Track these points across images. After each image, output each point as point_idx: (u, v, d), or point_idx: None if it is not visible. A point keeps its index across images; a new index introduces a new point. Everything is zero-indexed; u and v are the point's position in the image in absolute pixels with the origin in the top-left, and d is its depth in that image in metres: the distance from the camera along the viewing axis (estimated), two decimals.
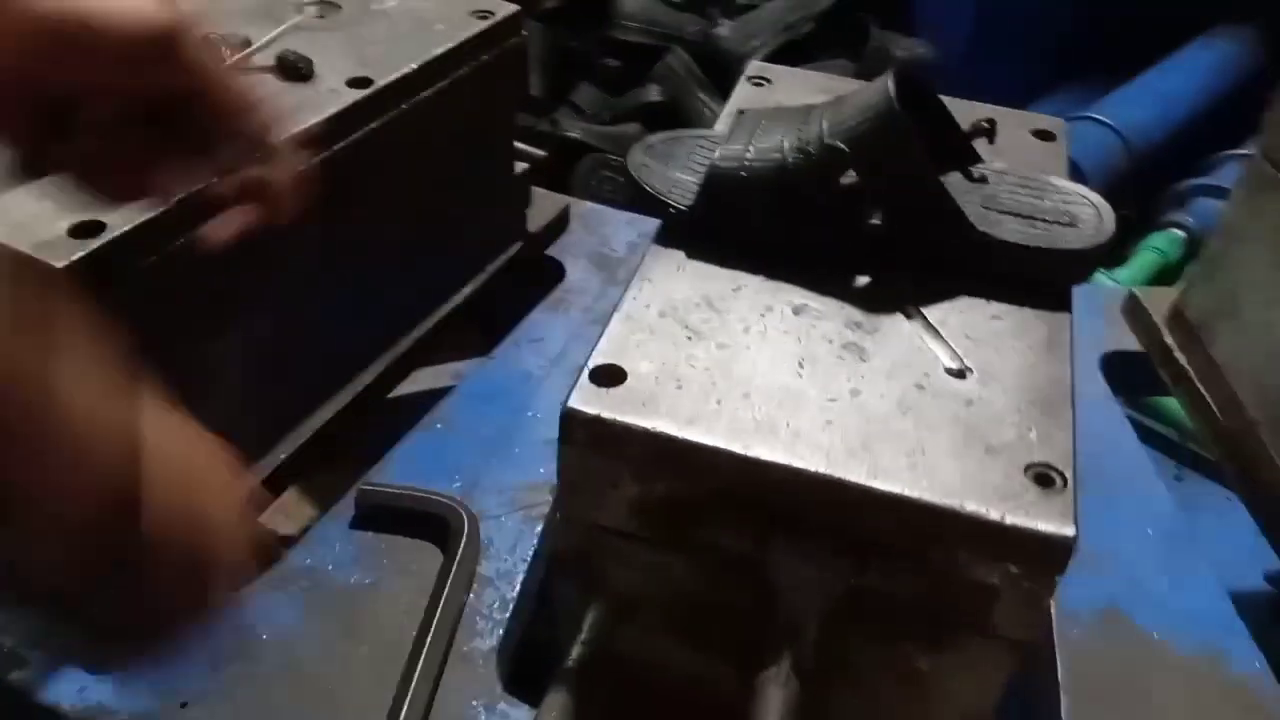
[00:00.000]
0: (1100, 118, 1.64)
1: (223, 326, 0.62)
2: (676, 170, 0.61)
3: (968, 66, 1.73)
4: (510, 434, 0.77)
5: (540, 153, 0.92)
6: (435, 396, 0.80)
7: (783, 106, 0.63)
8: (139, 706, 0.57)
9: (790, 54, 1.68)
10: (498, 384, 0.81)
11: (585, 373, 0.50)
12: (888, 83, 0.55)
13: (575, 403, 0.48)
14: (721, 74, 1.64)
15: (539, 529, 0.69)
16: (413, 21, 0.76)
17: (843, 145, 0.54)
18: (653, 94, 1.59)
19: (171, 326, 0.58)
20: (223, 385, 0.63)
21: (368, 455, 0.74)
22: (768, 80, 0.77)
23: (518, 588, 0.65)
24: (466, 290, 0.85)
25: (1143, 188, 1.62)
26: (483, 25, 0.77)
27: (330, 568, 0.65)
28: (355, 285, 0.73)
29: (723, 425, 0.47)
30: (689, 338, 0.53)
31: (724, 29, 1.66)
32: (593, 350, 0.52)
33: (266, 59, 0.68)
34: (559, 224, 0.97)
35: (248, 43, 0.69)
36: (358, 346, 0.76)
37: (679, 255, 0.58)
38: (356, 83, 0.68)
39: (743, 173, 0.57)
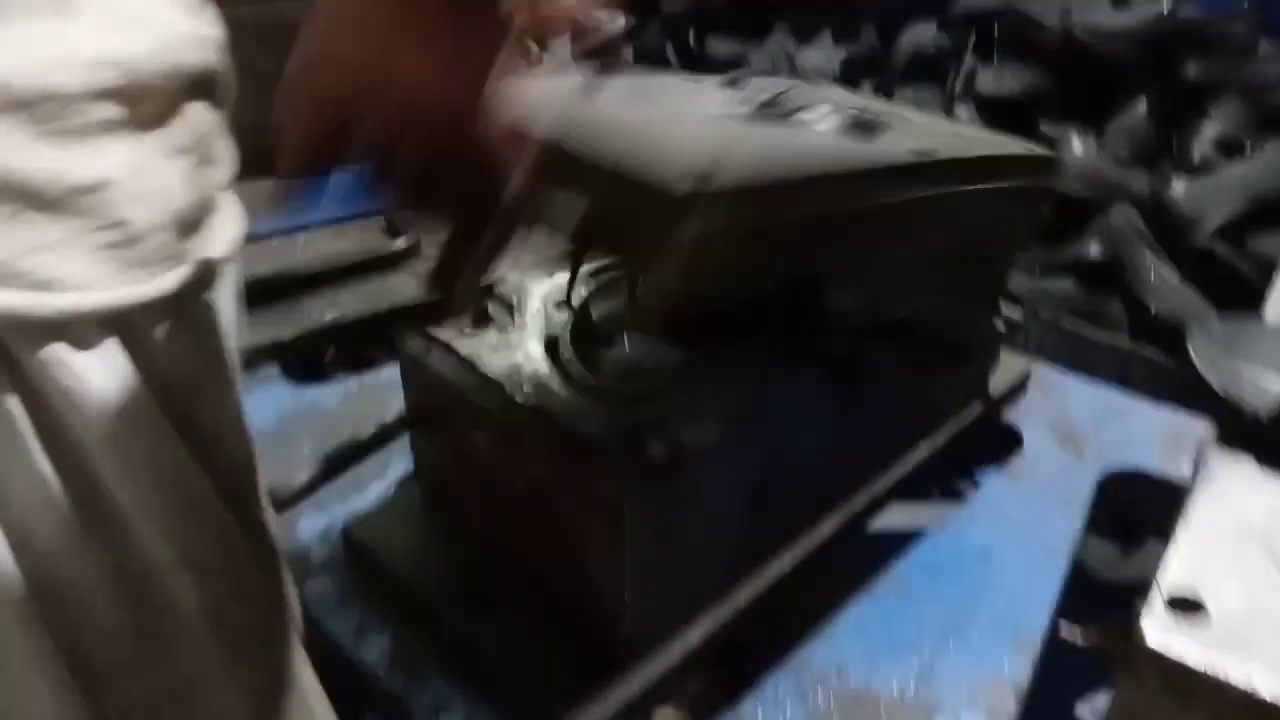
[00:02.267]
0: None
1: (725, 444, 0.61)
2: (1244, 364, 0.54)
3: None
4: (968, 616, 0.71)
5: (1016, 317, 0.86)
6: (884, 558, 0.76)
7: None
8: None
9: (1255, 223, 1.52)
10: (953, 556, 0.76)
11: (1159, 597, 0.43)
12: None
13: (1151, 635, 0.42)
14: (1172, 236, 1.51)
15: None
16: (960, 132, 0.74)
17: None
18: (1092, 251, 1.49)
19: None
20: (711, 510, 0.63)
21: (816, 611, 0.71)
22: None
23: None
24: (924, 449, 0.81)
25: None
26: (1025, 148, 0.74)
27: None
28: (834, 430, 0.71)
29: None
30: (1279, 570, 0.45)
31: (1178, 189, 1.53)
32: (1161, 568, 0.45)
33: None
34: (1019, 387, 0.91)
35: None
36: (820, 497, 0.73)
37: (1250, 464, 0.51)
38: (918, 154, 0.66)
39: None
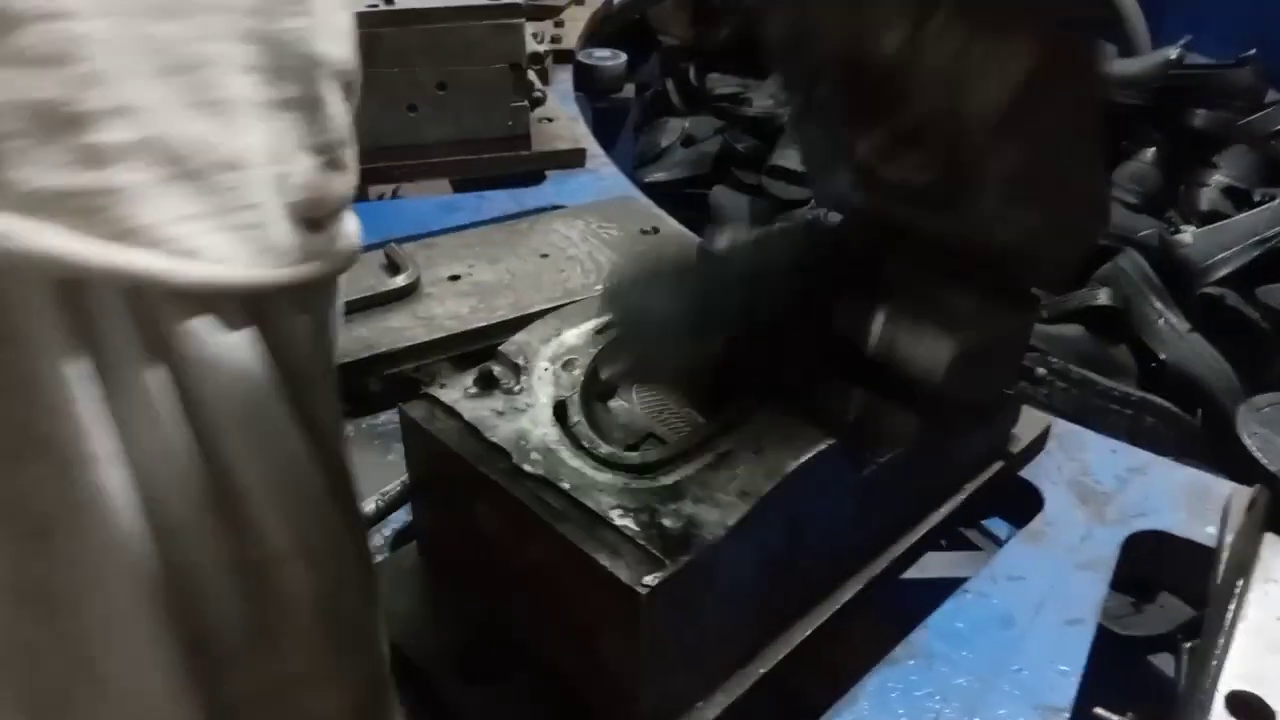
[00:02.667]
0: None
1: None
2: None
3: None
4: (992, 688, 0.68)
5: (1042, 371, 0.84)
6: (903, 624, 0.73)
7: None
8: None
9: (1263, 272, 1.51)
10: (974, 624, 0.73)
11: (1219, 699, 0.41)
12: None
13: None
14: (1180, 284, 1.50)
15: None
16: None
17: None
18: (1101, 297, 1.47)
19: None
20: (728, 585, 0.60)
21: (834, 680, 0.68)
22: None
23: None
24: (944, 510, 0.78)
25: None
26: None
27: None
28: (855, 495, 0.68)
29: None
30: None
31: (1187, 236, 1.52)
32: (1219, 667, 0.42)
33: None
34: (1038, 444, 0.88)
35: None
36: (840, 563, 0.71)
37: None
38: None
39: None
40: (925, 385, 0.65)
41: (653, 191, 1.81)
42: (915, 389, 0.65)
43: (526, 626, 0.64)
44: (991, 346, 0.70)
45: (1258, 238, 1.51)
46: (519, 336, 0.71)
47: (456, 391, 0.66)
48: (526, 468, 0.60)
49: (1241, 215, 1.53)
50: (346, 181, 0.44)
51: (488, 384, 0.67)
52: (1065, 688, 0.68)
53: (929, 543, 0.78)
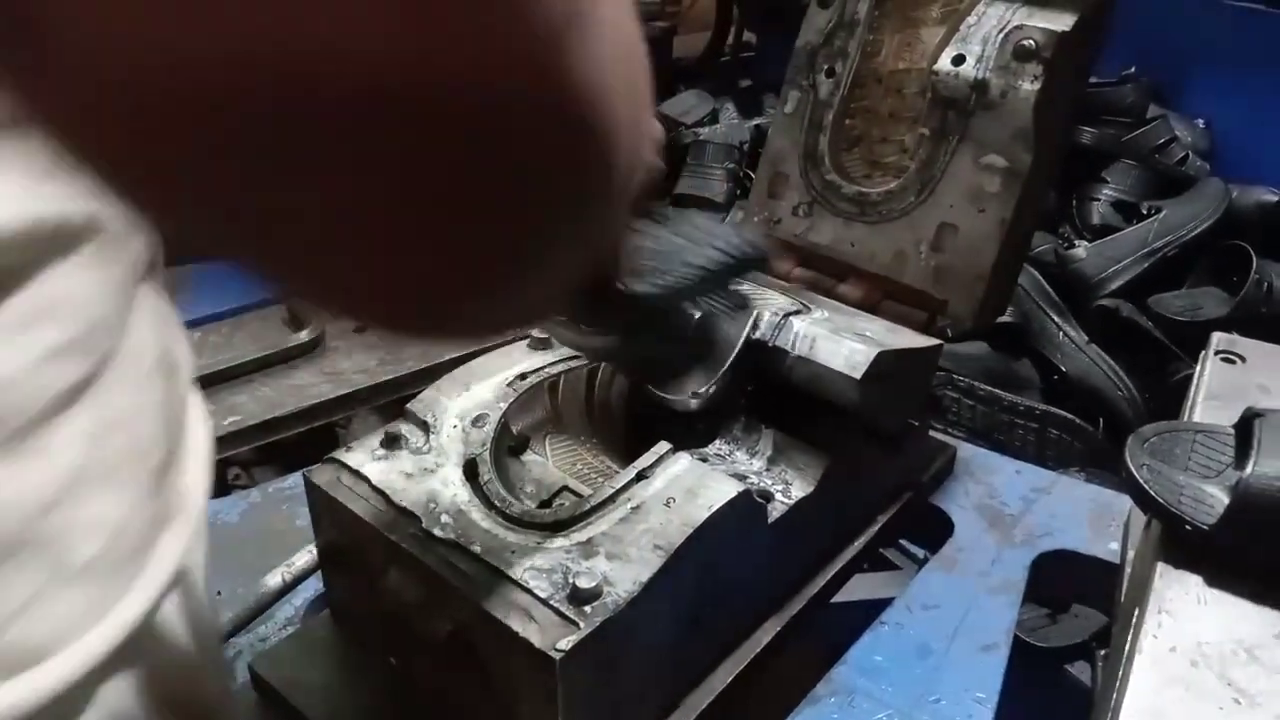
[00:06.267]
0: None
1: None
2: (1182, 474, 0.53)
3: None
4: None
5: (953, 395, 0.86)
6: (822, 661, 0.74)
7: None
8: None
9: (1154, 282, 1.57)
10: (892, 656, 0.74)
11: None
12: None
13: None
14: (1075, 296, 1.55)
15: None
16: None
17: None
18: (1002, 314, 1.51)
19: None
20: (645, 642, 0.60)
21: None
22: (1240, 358, 0.68)
23: None
24: (859, 544, 0.79)
25: None
26: None
27: None
28: (771, 542, 0.68)
29: None
30: (1236, 700, 0.43)
31: (1080, 250, 1.57)
32: (1118, 703, 0.43)
33: None
34: (945, 470, 0.90)
35: None
36: (758, 607, 0.71)
37: (1196, 582, 0.50)
38: None
39: None
40: (841, 394, 0.66)
41: None
42: (829, 409, 0.66)
43: (445, 693, 0.63)
44: (903, 364, 0.72)
45: (1147, 249, 1.57)
46: (427, 394, 0.70)
47: (363, 454, 0.65)
48: (437, 532, 0.59)
49: (1131, 228, 1.59)
50: (186, 375, 0.37)
51: (395, 444, 0.66)
52: (982, 716, 0.69)
53: (845, 577, 0.79)
